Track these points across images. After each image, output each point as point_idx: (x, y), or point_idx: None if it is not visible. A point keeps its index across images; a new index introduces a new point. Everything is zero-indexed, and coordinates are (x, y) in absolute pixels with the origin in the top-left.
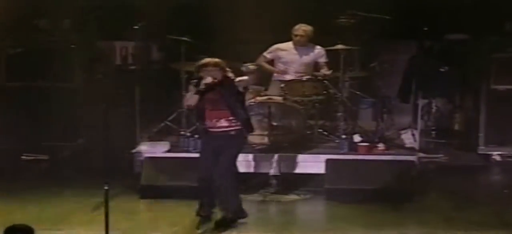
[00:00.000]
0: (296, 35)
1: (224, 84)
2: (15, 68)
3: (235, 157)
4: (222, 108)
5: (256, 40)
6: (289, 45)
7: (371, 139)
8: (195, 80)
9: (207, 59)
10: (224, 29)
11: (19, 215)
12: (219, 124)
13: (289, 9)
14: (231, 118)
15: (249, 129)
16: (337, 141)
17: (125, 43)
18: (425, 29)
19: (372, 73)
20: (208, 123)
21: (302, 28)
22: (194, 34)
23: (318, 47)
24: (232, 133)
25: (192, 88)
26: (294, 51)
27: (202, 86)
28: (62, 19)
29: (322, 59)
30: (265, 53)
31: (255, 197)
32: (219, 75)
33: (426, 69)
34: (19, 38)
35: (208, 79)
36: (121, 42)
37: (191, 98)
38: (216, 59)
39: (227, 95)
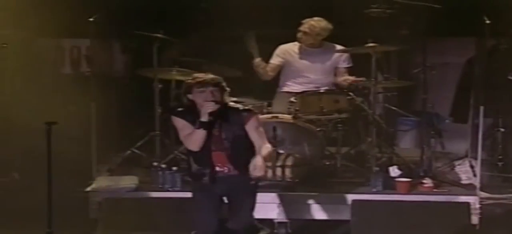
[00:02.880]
0: (299, 32)
1: (225, 113)
2: None
3: (253, 207)
4: (225, 148)
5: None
6: (298, 46)
7: (415, 173)
8: (181, 106)
9: (203, 76)
10: (212, 23)
11: None
12: (223, 169)
13: None
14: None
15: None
16: (367, 175)
17: (76, 41)
18: (488, 22)
19: (416, 83)
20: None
21: (310, 23)
22: (170, 29)
23: (338, 47)
24: (241, 177)
25: (180, 120)
26: (305, 54)
27: (204, 118)
28: None
29: (344, 64)
30: (272, 60)
31: None
32: (219, 99)
33: (490, 77)
34: None
35: (211, 107)
36: (71, 39)
37: (197, 136)
38: (215, 76)
39: (228, 130)
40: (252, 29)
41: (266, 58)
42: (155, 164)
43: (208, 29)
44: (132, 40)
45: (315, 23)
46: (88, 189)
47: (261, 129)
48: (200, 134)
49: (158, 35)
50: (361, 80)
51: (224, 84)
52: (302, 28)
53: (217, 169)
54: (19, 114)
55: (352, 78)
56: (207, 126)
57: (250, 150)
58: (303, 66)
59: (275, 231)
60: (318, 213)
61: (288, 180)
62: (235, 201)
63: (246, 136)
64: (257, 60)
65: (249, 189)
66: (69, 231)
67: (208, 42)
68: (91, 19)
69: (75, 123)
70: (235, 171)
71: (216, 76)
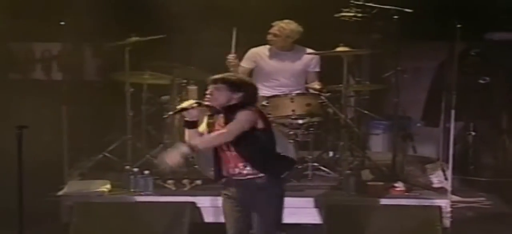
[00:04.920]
0: (269, 34)
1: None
2: None
3: (276, 219)
4: (231, 145)
5: (226, 42)
6: (268, 49)
7: (386, 177)
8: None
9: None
10: (182, 28)
11: None
12: (235, 170)
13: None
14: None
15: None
16: (339, 179)
17: (47, 45)
18: (459, 26)
19: (387, 86)
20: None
21: (280, 25)
22: (143, 33)
23: (309, 50)
24: (258, 181)
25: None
26: (275, 57)
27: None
28: None
29: (314, 68)
30: (243, 63)
31: None
32: (216, 98)
33: (461, 81)
34: None
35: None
36: (42, 43)
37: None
38: (217, 76)
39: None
40: (226, 32)
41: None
42: (127, 167)
43: (180, 32)
44: (104, 43)
45: (285, 25)
46: (60, 193)
47: (233, 123)
48: (186, 133)
49: (131, 38)
50: (323, 88)
51: (222, 85)
52: (272, 30)
53: (230, 170)
54: None
55: (318, 86)
56: (190, 125)
57: (258, 147)
58: (273, 69)
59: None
60: (290, 217)
61: None
62: (256, 211)
63: (250, 133)
64: (231, 55)
65: (271, 196)
66: None
67: (181, 46)
68: (62, 23)
69: (47, 126)
70: (250, 170)
71: (219, 76)
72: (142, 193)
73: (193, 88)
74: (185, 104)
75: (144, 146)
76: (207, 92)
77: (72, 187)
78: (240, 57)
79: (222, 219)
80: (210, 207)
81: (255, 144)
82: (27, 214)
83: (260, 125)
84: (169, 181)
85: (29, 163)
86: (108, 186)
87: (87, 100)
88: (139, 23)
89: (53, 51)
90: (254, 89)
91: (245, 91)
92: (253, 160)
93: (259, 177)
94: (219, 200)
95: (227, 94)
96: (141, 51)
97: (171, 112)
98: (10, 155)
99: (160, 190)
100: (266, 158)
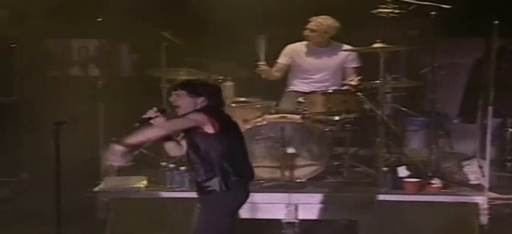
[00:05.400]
0: (306, 29)
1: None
2: None
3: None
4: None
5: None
6: (305, 45)
7: (423, 173)
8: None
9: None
10: (220, 25)
11: None
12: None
13: None
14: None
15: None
16: (375, 176)
17: (84, 41)
18: (496, 22)
19: (424, 83)
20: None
21: (317, 20)
22: (179, 31)
23: (346, 46)
24: (206, 187)
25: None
26: (312, 53)
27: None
28: None
29: (352, 64)
30: (279, 59)
31: None
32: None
33: (498, 77)
34: None
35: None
36: (79, 39)
37: None
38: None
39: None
40: (262, 29)
41: (274, 59)
42: (163, 164)
43: (217, 29)
44: (140, 40)
45: (322, 20)
46: (96, 189)
47: (171, 120)
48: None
49: (165, 34)
50: (360, 83)
51: (181, 91)
52: (309, 25)
53: (194, 173)
54: (28, 114)
55: (356, 79)
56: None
57: (202, 152)
58: (310, 66)
59: (283, 231)
60: (326, 213)
61: (296, 180)
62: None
63: (197, 137)
64: (261, 64)
65: (213, 209)
66: (78, 231)
67: (217, 43)
68: (99, 19)
69: (84, 122)
70: (203, 175)
71: (178, 83)
72: (177, 189)
73: (229, 84)
74: (150, 113)
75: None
76: (171, 99)
77: (109, 183)
78: (270, 63)
79: (256, 215)
80: (246, 203)
81: (199, 149)
82: (64, 210)
83: (209, 129)
84: None
85: (66, 159)
86: (145, 182)
87: (123, 97)
88: (175, 19)
89: (90, 47)
90: (216, 91)
91: (206, 94)
92: (198, 165)
93: (206, 184)
94: (254, 197)
95: (189, 100)
96: (177, 48)
97: (137, 124)
98: (47, 151)
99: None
100: (212, 164)
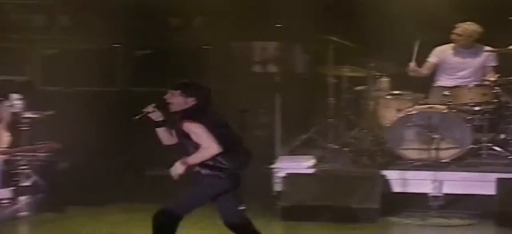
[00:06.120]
0: (453, 34)
1: None
2: (142, 71)
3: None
4: None
5: (412, 42)
6: (452, 47)
7: None
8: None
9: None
10: (378, 29)
11: (142, 230)
12: None
13: (456, 5)
14: None
15: None
16: (510, 158)
17: (265, 44)
18: None
19: None
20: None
21: (463, 26)
22: (343, 34)
23: (487, 48)
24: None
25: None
26: (458, 54)
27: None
28: (194, 16)
29: (491, 63)
30: (429, 58)
31: (414, 220)
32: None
33: None
34: (148, 38)
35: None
36: (261, 42)
37: None
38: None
39: None
40: (415, 34)
41: (424, 58)
42: (329, 145)
43: (377, 32)
44: (312, 43)
45: (467, 26)
46: (273, 166)
47: (203, 138)
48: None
49: (333, 38)
50: (498, 79)
51: (176, 91)
52: (455, 31)
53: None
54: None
55: (494, 75)
56: (158, 124)
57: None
58: (456, 64)
59: (429, 203)
60: (466, 188)
61: (441, 160)
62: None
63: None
64: (411, 65)
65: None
66: (257, 202)
67: (376, 44)
68: (278, 25)
69: (263, 111)
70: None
71: (176, 83)
72: (341, 166)
73: (385, 80)
74: (148, 108)
75: (343, 128)
76: (166, 97)
77: (284, 161)
78: (420, 62)
79: (408, 189)
80: (398, 179)
81: (190, 141)
82: (246, 184)
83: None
84: (364, 157)
85: (248, 140)
86: (313, 160)
87: (296, 90)
88: (342, 24)
89: (269, 48)
90: (207, 93)
91: (197, 95)
92: (190, 152)
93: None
94: (406, 174)
95: (180, 98)
96: (343, 48)
97: (137, 116)
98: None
99: (356, 164)
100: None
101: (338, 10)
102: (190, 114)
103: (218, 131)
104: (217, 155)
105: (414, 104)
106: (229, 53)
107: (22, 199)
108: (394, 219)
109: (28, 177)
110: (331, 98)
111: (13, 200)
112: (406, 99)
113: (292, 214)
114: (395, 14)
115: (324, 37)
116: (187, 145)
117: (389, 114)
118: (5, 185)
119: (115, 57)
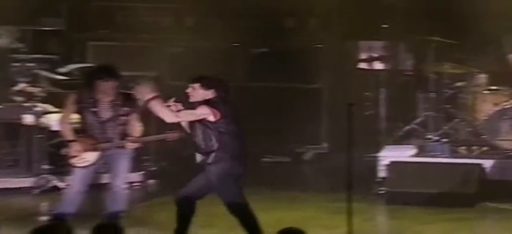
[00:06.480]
0: None
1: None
2: (258, 69)
3: None
4: None
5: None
6: None
7: None
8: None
9: None
10: (476, 29)
11: (260, 217)
12: None
13: None
14: None
15: None
16: None
17: (372, 43)
18: None
19: None
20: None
21: None
22: (444, 33)
23: None
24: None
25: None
26: None
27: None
28: (308, 17)
29: None
30: None
31: (508, 206)
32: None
33: None
34: (265, 37)
35: None
36: (368, 42)
37: None
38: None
39: None
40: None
41: None
42: (429, 136)
43: (476, 32)
44: (414, 42)
45: None
46: (377, 154)
47: (186, 112)
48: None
49: (434, 38)
50: None
51: (196, 84)
52: None
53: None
54: (328, 98)
55: None
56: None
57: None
58: None
59: None
60: None
61: None
62: None
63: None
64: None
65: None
66: (363, 187)
67: (475, 42)
68: (384, 26)
69: (370, 105)
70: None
71: (196, 76)
72: (440, 156)
73: (482, 76)
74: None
75: (442, 120)
76: (187, 90)
77: (387, 150)
78: None
79: (504, 177)
80: (494, 167)
81: (202, 131)
82: (353, 171)
83: (211, 118)
84: (462, 147)
85: (355, 130)
86: (414, 150)
87: (400, 85)
88: (443, 23)
89: (375, 47)
90: (225, 86)
91: (216, 88)
92: (200, 141)
93: (204, 157)
94: (503, 163)
95: (201, 92)
96: (444, 47)
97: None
98: (341, 125)
99: (454, 154)
100: (209, 144)
101: (440, 11)
102: (210, 104)
103: (235, 123)
104: (221, 143)
105: (510, 99)
106: (339, 51)
107: (151, 182)
108: (490, 204)
109: (156, 162)
110: (432, 93)
111: (142, 183)
112: (502, 94)
113: (394, 198)
114: (495, 14)
115: (426, 38)
116: (199, 134)
117: (486, 108)
118: (136, 170)
119: (234, 55)
